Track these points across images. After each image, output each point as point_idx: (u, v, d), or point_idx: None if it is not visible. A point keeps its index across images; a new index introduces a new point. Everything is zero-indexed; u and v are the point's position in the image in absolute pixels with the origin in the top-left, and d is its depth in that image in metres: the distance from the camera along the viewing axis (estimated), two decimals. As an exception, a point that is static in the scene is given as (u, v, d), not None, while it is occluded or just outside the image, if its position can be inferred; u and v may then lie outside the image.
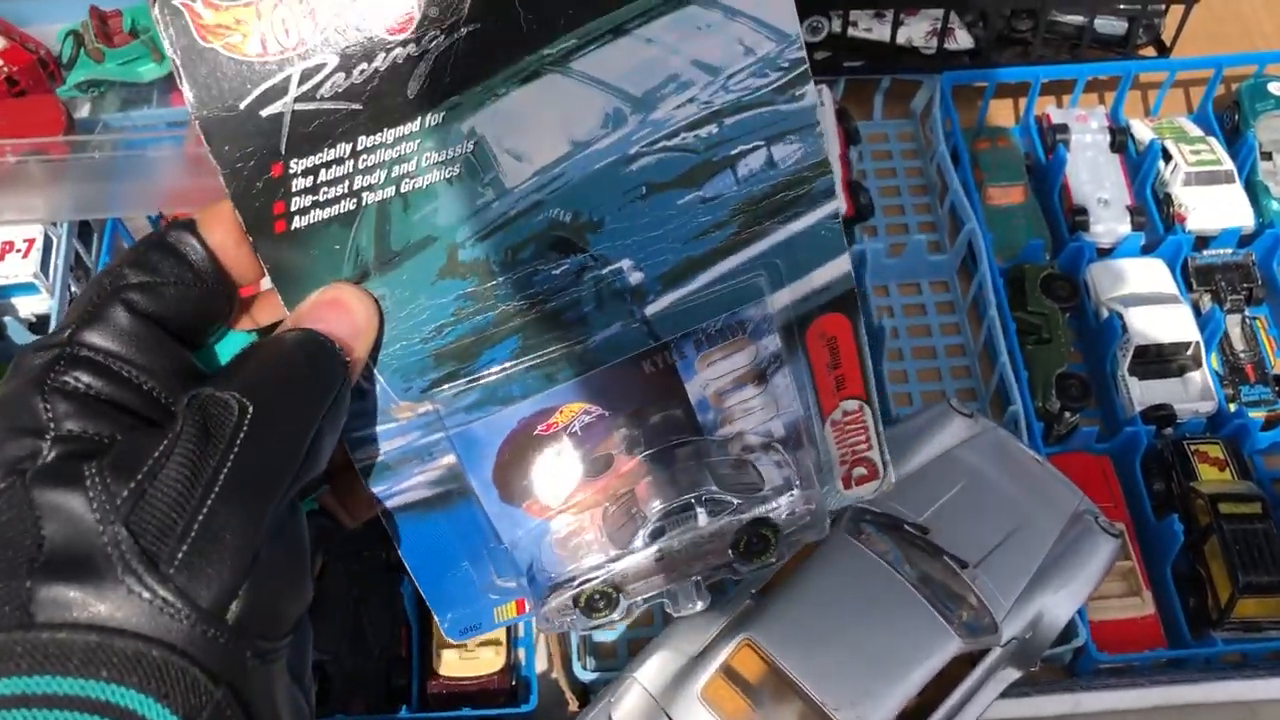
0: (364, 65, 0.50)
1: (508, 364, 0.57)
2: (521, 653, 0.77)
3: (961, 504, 0.69)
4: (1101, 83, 1.27)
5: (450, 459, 0.59)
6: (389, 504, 0.59)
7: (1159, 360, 1.06)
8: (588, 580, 0.58)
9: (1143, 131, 1.23)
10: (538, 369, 0.58)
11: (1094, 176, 1.16)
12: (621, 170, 0.54)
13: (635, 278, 0.56)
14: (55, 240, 0.92)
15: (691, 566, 0.60)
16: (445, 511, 0.60)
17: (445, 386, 0.57)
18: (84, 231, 0.95)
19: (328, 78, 0.49)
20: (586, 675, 0.76)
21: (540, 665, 0.80)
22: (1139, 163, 1.20)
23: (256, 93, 0.49)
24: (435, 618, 0.64)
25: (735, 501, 0.58)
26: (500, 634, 0.77)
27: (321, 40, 0.49)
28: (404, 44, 0.49)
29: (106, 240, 0.94)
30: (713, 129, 0.54)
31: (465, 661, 0.73)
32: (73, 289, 0.92)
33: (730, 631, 0.65)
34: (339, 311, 0.48)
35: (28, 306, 0.90)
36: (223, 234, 0.47)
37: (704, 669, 0.65)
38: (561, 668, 0.82)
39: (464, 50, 0.51)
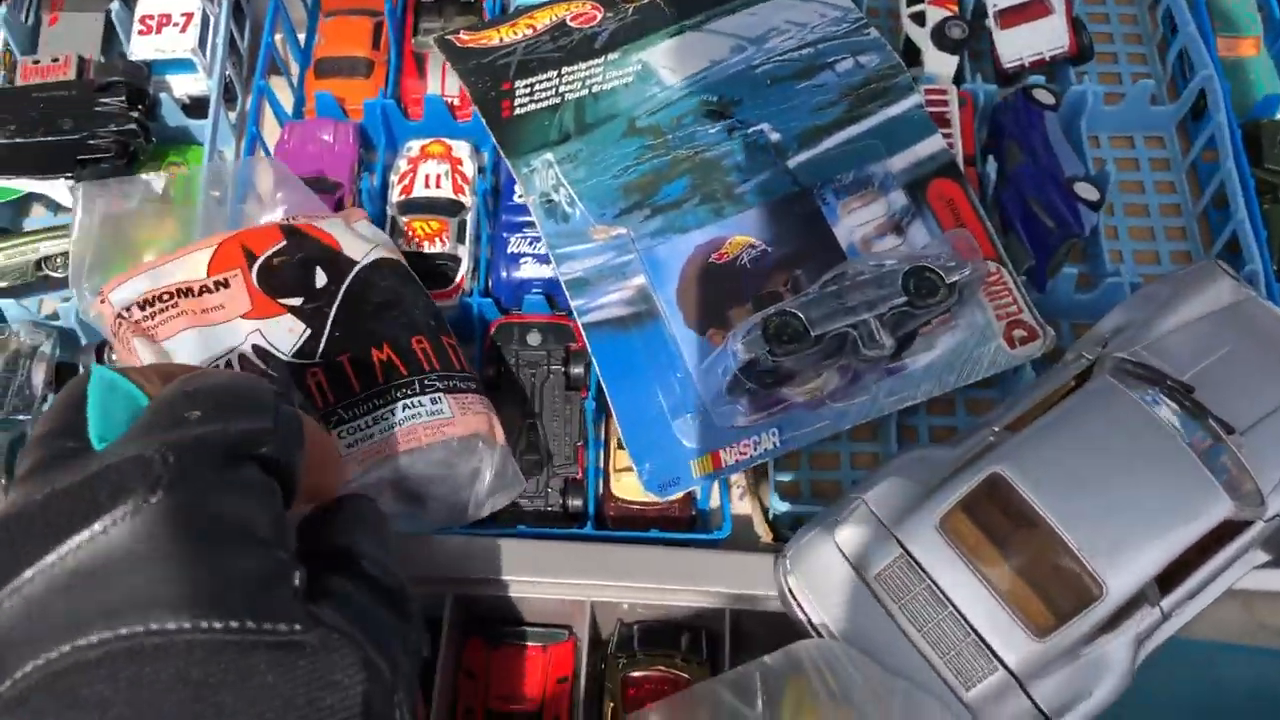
0: (564, 39, 0.76)
1: (681, 197, 0.71)
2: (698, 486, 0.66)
3: (1226, 368, 0.64)
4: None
5: (640, 279, 0.68)
6: (588, 319, 0.67)
7: None
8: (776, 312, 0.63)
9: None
10: (706, 204, 0.71)
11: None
12: (750, 72, 0.75)
13: (774, 137, 0.73)
14: (211, 18, 0.83)
15: (870, 309, 0.63)
16: (639, 330, 0.67)
17: (633, 213, 0.70)
18: (237, 15, 0.87)
19: (540, 46, 0.75)
20: (780, 506, 0.65)
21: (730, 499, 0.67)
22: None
23: (493, 57, 0.75)
24: (630, 458, 0.65)
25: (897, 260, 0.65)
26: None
27: (536, 36, 0.76)
28: (590, 28, 0.76)
29: (269, 21, 0.83)
30: (810, 50, 0.76)
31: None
32: (229, 74, 0.84)
33: (974, 464, 0.59)
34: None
35: (183, 86, 0.83)
36: None
37: (942, 499, 0.58)
38: (753, 496, 0.69)
39: (630, 24, 0.77)
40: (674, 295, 0.68)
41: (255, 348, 0.59)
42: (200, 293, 0.60)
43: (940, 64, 0.79)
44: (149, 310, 0.59)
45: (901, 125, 0.74)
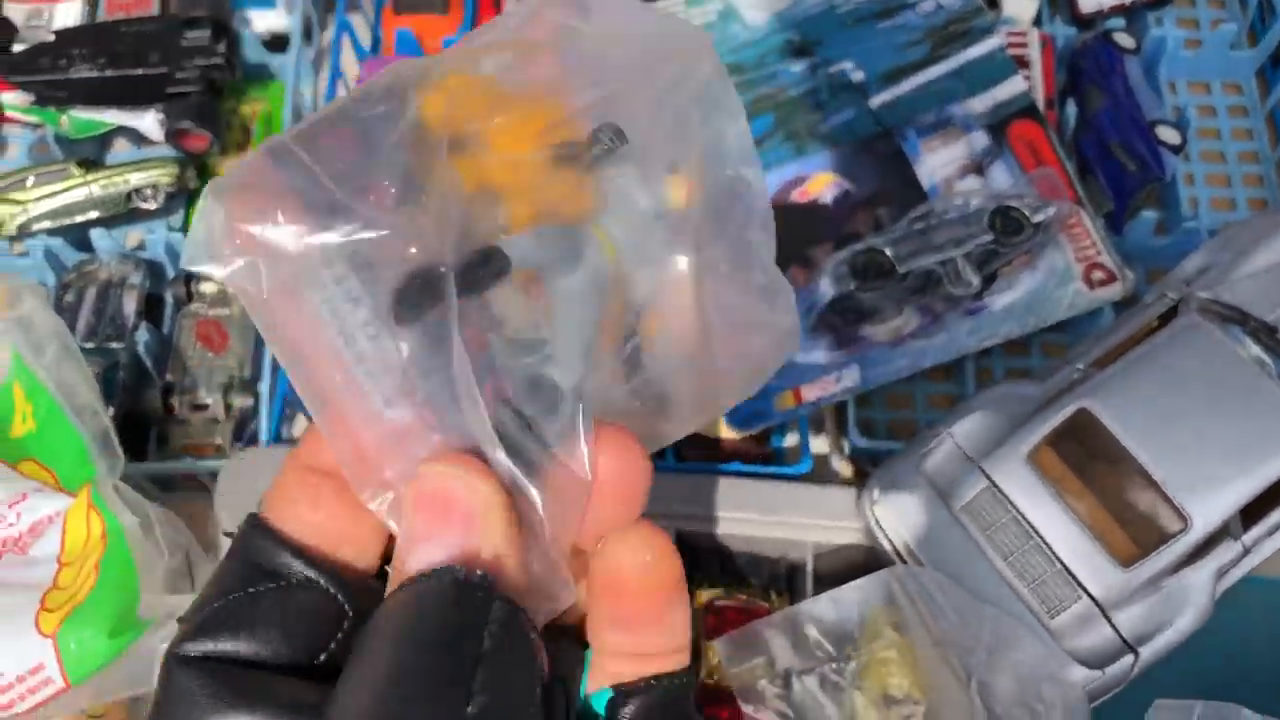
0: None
1: (763, 135, 0.71)
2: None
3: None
4: None
5: (724, 216, 0.69)
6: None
7: None
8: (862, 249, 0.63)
9: None
10: (788, 142, 0.71)
11: None
12: (833, 12, 0.75)
13: (857, 76, 0.73)
14: (292, -47, 0.82)
15: (956, 246, 0.64)
16: (722, 267, 0.68)
17: (716, 150, 0.70)
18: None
19: None
20: (859, 442, 0.66)
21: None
22: None
23: None
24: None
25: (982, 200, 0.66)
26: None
27: None
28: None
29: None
30: (892, -10, 0.76)
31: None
32: (309, 10, 0.82)
33: (1060, 400, 0.60)
34: (453, 518, 0.26)
35: (264, 22, 0.83)
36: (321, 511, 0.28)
37: (1030, 433, 0.59)
38: (834, 429, 0.70)
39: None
40: (758, 233, 0.69)
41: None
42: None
43: (1020, 7, 0.79)
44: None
45: (982, 67, 0.74)
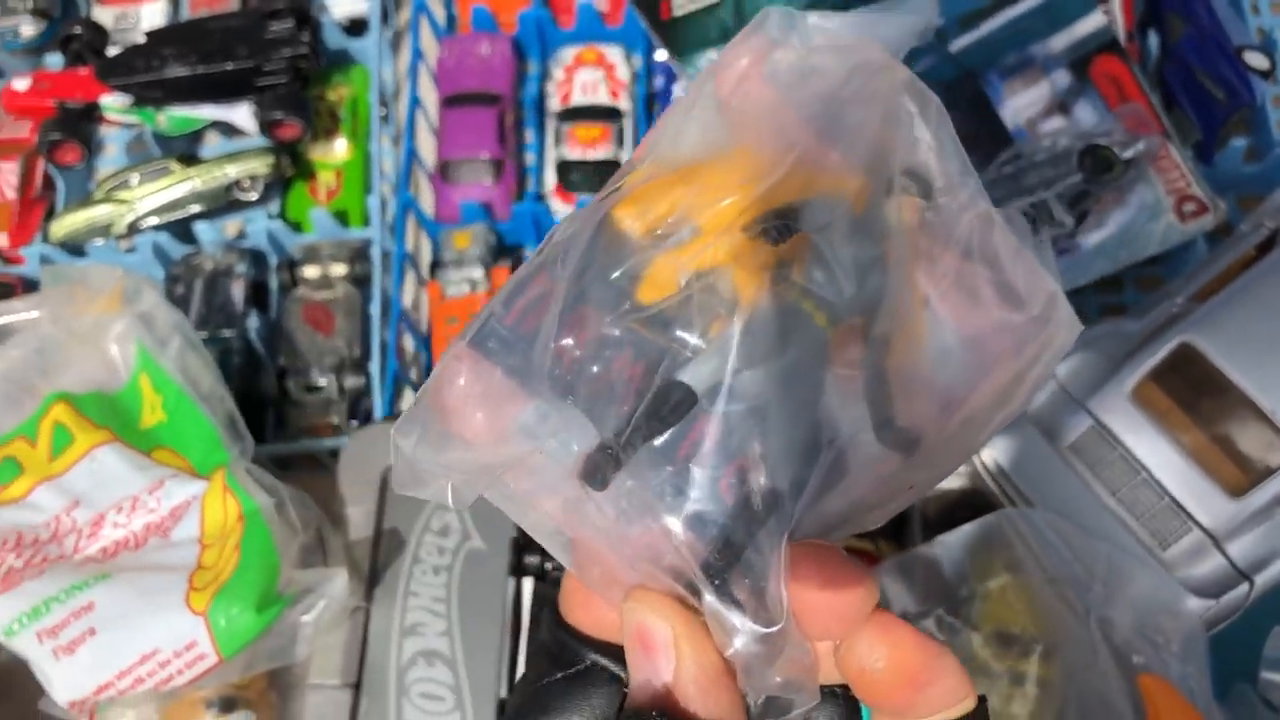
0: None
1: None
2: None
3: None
4: None
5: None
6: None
7: None
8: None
9: None
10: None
11: None
12: (905, -41, 0.75)
13: (937, 21, 0.73)
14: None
15: (1047, 187, 0.64)
16: (812, 223, 0.69)
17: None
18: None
19: None
20: None
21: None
22: None
23: None
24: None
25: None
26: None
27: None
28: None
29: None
30: (962, -67, 0.76)
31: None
32: None
33: (1162, 334, 0.61)
34: (650, 652, 0.28)
35: (342, 8, 0.84)
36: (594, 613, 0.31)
37: (1132, 370, 0.59)
38: None
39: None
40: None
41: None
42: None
43: (1096, -61, 0.78)
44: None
45: (1061, 3, 0.74)
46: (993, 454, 0.60)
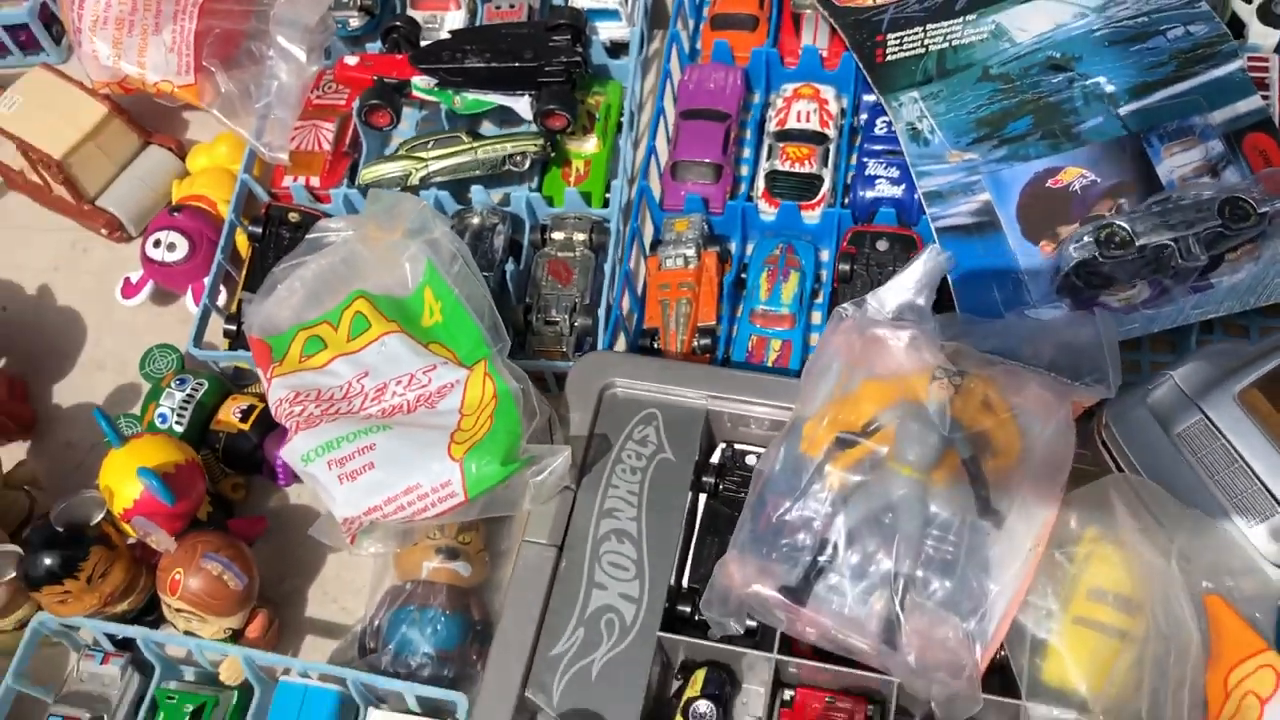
0: (928, 1, 0.92)
1: (1024, 133, 0.85)
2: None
3: None
4: None
5: (985, 196, 0.83)
6: (940, 224, 0.83)
7: None
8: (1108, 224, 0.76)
9: None
10: (1045, 140, 0.85)
11: None
12: (1090, 35, 0.88)
13: (1109, 89, 0.86)
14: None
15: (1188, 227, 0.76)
16: (981, 238, 0.82)
17: (983, 143, 0.85)
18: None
19: (908, 6, 0.91)
20: None
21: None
22: None
23: (868, 14, 0.91)
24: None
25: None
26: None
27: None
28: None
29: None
30: (1145, 18, 0.89)
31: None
32: (644, 26, 1.03)
33: (1273, 353, 0.72)
34: None
35: (607, 31, 1.02)
36: None
37: (1242, 377, 0.70)
38: None
39: (987, -4, 0.92)
40: (1013, 211, 0.83)
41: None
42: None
43: (1263, 36, 0.90)
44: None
45: (1224, 85, 0.85)
46: (1113, 433, 0.72)
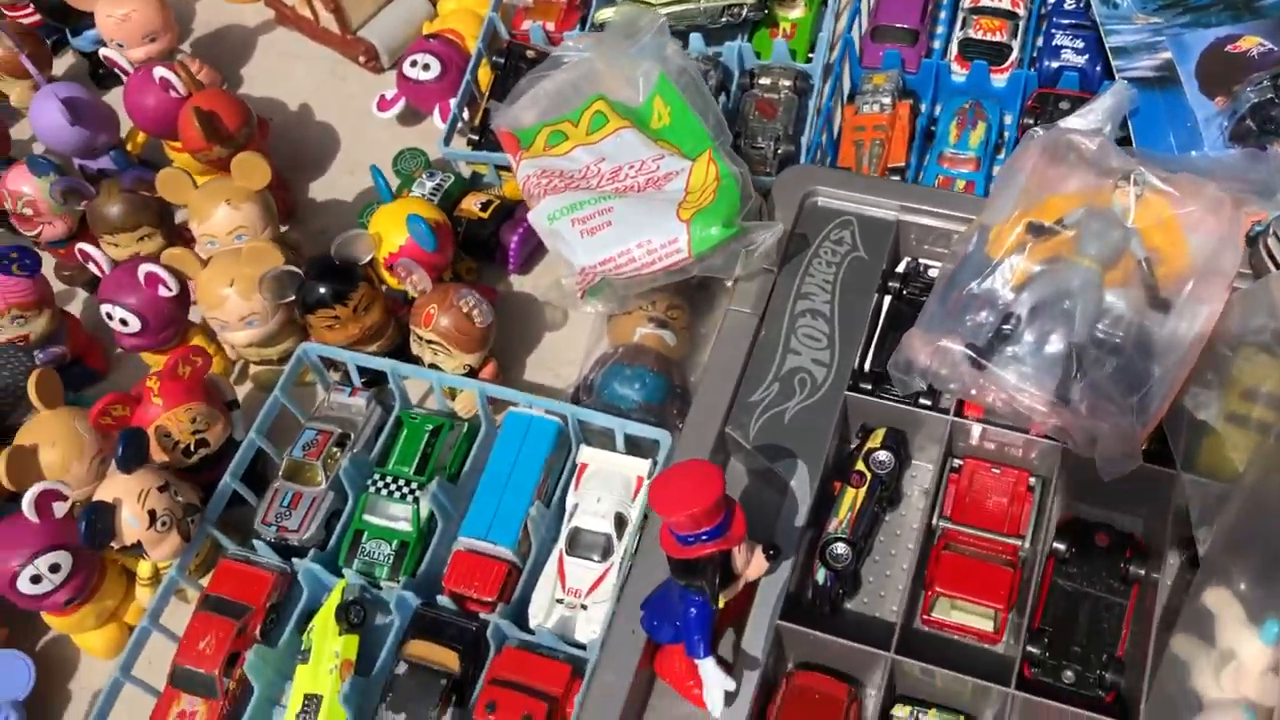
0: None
1: (1209, 4, 0.93)
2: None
3: None
4: None
5: (1167, 54, 0.92)
6: (1125, 75, 0.91)
7: None
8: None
9: None
10: (1228, 10, 0.93)
11: None
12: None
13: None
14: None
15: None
16: (1161, 92, 0.91)
17: (1170, 9, 0.93)
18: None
19: None
20: None
21: None
22: None
23: None
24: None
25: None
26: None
27: None
28: None
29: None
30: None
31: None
32: None
33: None
34: None
35: None
36: None
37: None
38: None
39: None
40: (1192, 69, 0.91)
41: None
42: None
43: None
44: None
45: None
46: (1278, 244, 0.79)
